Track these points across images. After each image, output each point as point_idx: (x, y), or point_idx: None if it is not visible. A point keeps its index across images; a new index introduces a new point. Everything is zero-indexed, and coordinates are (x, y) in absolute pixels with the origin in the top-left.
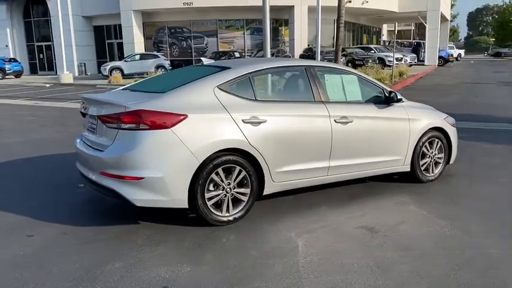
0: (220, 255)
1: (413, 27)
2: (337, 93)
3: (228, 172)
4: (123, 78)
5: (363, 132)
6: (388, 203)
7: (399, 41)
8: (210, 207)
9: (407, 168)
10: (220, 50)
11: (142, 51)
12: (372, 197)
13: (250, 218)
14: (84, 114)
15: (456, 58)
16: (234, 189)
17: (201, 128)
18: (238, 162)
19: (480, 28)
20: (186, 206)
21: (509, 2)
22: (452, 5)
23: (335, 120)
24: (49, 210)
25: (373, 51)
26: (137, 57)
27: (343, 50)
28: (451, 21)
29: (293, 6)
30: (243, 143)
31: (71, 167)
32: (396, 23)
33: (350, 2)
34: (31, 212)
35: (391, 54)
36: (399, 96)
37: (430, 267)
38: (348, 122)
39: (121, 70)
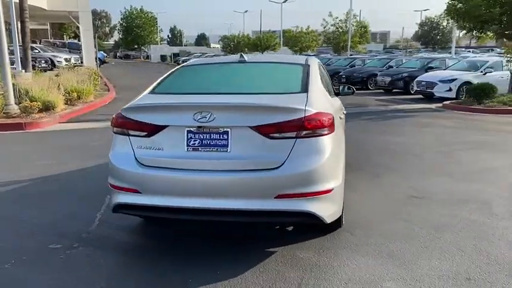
0: (427, 253)
1: (49, 27)
2: None
3: None
4: None
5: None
6: (368, 178)
7: (51, 40)
8: None
9: None
10: None
11: None
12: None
13: None
14: (157, 128)
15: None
16: None
17: (338, 127)
18: None
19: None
20: (340, 214)
21: (130, 10)
22: None
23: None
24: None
25: (37, 51)
26: None
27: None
28: None
29: None
30: None
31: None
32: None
33: None
34: None
35: (60, 54)
36: (354, 89)
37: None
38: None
39: None
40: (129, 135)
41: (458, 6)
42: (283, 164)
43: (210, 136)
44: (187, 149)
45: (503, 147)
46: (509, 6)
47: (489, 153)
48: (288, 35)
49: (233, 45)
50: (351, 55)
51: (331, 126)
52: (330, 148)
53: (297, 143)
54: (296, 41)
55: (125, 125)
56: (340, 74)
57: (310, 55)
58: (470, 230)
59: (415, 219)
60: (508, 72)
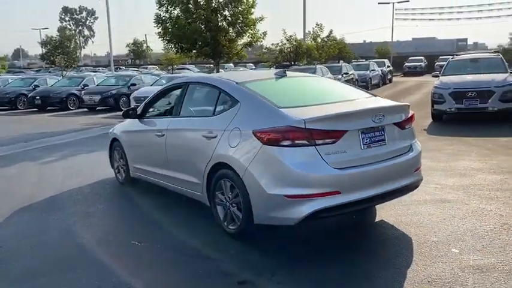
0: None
1: None
2: None
3: None
4: None
5: None
6: None
7: None
8: None
9: None
10: None
11: None
12: None
13: None
14: (341, 134)
15: None
16: None
17: None
18: None
19: None
20: None
21: None
22: None
23: None
24: None
25: None
26: None
27: None
28: None
29: None
30: None
31: None
32: None
33: None
34: None
35: None
36: None
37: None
38: None
39: None
40: (316, 144)
41: (173, 30)
42: (411, 147)
43: (374, 134)
44: (363, 147)
45: None
46: (216, 33)
47: None
48: None
49: None
50: None
51: None
52: None
53: (411, 130)
54: None
55: (310, 136)
56: None
57: None
58: None
59: None
60: None
